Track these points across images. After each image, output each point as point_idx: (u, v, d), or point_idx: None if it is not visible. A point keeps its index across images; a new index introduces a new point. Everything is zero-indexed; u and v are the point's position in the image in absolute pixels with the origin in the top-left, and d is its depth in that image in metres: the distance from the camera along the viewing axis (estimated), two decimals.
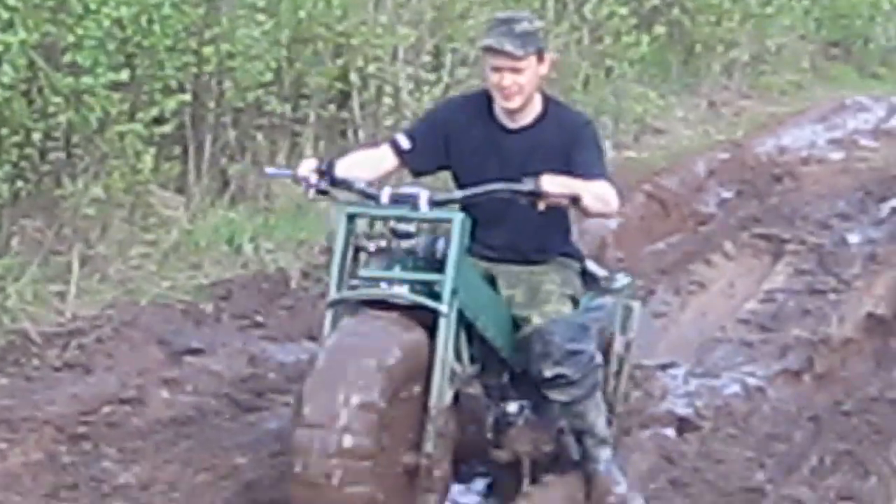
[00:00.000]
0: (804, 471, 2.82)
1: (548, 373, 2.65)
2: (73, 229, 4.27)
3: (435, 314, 2.41)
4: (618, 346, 3.05)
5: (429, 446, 2.43)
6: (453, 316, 2.44)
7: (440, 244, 2.53)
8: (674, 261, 5.09)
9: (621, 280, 3.19)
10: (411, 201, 2.52)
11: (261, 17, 5.04)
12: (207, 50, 4.83)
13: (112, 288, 4.22)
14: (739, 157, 7.08)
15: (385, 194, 2.55)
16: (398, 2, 6.04)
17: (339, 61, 5.62)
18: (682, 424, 3.32)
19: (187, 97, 4.69)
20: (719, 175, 6.74)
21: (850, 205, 5.89)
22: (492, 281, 2.79)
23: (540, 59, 2.69)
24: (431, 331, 2.43)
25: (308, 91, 5.56)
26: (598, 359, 2.80)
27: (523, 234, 2.81)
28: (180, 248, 4.57)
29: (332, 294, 2.56)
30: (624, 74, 7.63)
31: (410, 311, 2.46)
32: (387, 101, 5.63)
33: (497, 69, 2.62)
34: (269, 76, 5.04)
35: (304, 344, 3.83)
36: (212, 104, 5.12)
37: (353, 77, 5.66)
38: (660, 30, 8.04)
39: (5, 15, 3.82)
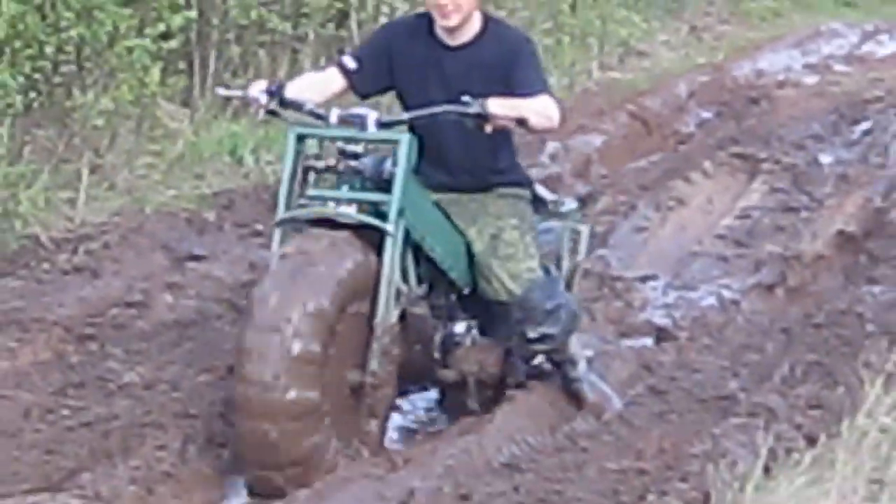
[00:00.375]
0: (775, 380, 2.75)
1: (532, 334, 2.59)
2: (83, 139, 4.18)
3: (381, 234, 2.34)
4: (566, 268, 2.89)
5: (373, 364, 2.36)
6: (399, 236, 2.37)
7: (387, 165, 2.43)
8: (654, 178, 4.96)
9: (569, 204, 3.02)
10: (359, 122, 2.43)
11: None
12: None
13: (119, 196, 4.15)
14: (719, 80, 6.92)
15: (333, 115, 2.45)
16: None
17: None
18: (660, 334, 3.26)
19: (193, 14, 4.60)
20: (699, 97, 6.58)
21: (824, 127, 5.74)
22: (444, 213, 2.67)
23: None
24: (378, 250, 2.35)
25: (308, 10, 5.45)
26: (573, 305, 2.70)
27: (470, 159, 2.69)
28: (184, 159, 4.48)
29: (280, 213, 2.46)
30: None
31: (357, 230, 2.38)
32: (383, 20, 5.43)
33: None
34: None
35: None
36: (216, 21, 5.06)
37: None
38: None
39: None
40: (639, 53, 7.66)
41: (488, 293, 2.65)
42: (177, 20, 4.39)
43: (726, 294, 3.61)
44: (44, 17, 4.08)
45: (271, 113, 2.57)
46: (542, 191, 2.92)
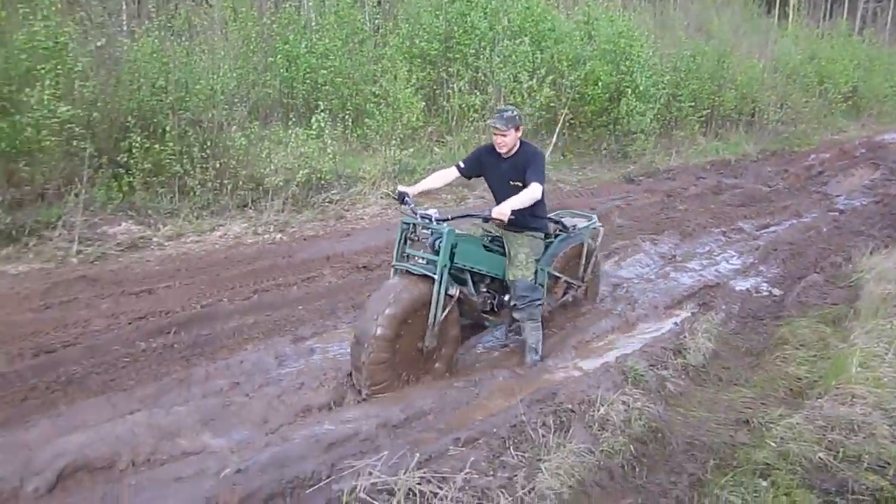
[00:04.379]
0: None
1: (513, 303, 4.99)
2: None
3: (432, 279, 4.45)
4: (586, 249, 5.68)
5: (427, 341, 4.55)
6: (443, 279, 4.48)
7: (437, 241, 4.49)
8: (846, 167, 15.32)
9: (584, 224, 5.70)
10: (429, 218, 4.55)
11: None
12: None
13: None
14: (872, 141, 18.02)
15: (418, 212, 4.57)
16: None
17: None
18: (844, 211, 13.56)
19: None
20: (863, 146, 17.42)
21: None
22: (499, 241, 5.00)
23: (517, 129, 4.74)
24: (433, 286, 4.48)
25: None
26: (539, 300, 5.01)
27: (514, 215, 4.47)
28: None
29: (394, 262, 4.68)
30: None
31: (424, 276, 4.50)
32: None
33: (495, 135, 4.72)
34: None
35: None
36: None
37: None
38: None
39: None
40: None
41: (507, 279, 4.96)
42: None
43: (864, 200, 11.71)
44: None
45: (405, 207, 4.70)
46: (567, 221, 5.47)
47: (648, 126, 13.73)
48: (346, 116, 10.67)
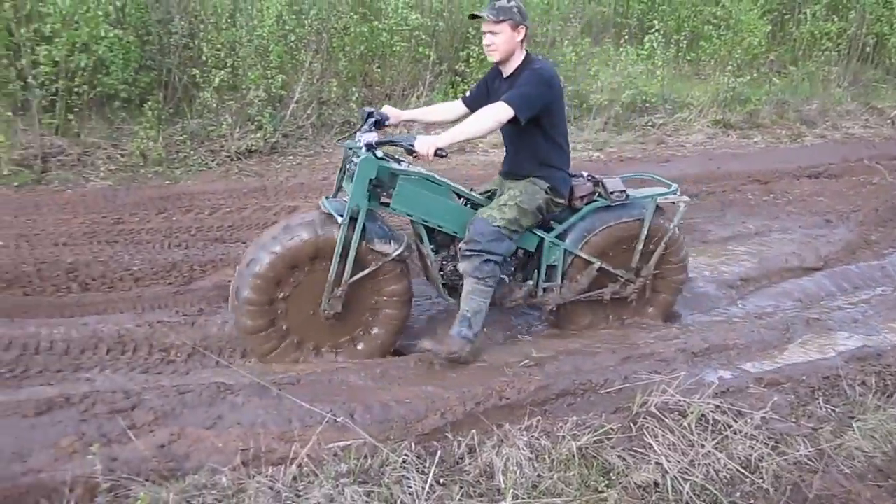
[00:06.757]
0: None
1: (461, 245, 3.62)
2: None
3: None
4: (648, 230, 3.96)
5: (325, 304, 3.49)
6: (350, 227, 3.36)
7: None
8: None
9: (643, 193, 4.01)
10: (361, 142, 3.40)
11: None
12: None
13: None
14: None
15: (362, 135, 3.42)
16: None
17: None
18: None
19: None
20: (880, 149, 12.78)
21: None
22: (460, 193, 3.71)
23: (514, 28, 3.41)
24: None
25: None
26: (495, 255, 3.53)
27: (512, 159, 3.75)
28: None
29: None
30: None
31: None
32: None
33: (483, 33, 3.46)
34: None
35: None
36: None
37: None
38: None
39: None
40: None
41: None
42: None
43: None
44: None
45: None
46: (610, 184, 3.89)
47: None
48: (681, 39, 10.16)
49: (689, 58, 10.49)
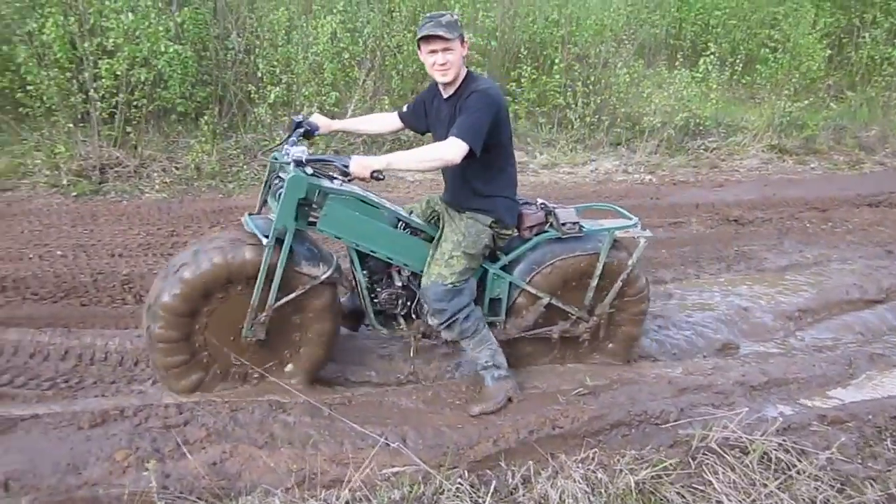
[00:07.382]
0: None
1: (430, 321, 3.44)
2: None
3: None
4: (604, 266, 3.61)
5: (247, 330, 3.25)
6: (272, 243, 3.08)
7: (280, 191, 3.11)
8: None
9: (601, 226, 3.68)
10: (290, 156, 3.04)
11: None
12: None
13: None
14: None
15: (290, 149, 3.07)
16: None
17: None
18: None
19: None
20: None
21: None
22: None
23: (462, 43, 3.06)
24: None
25: None
26: (473, 321, 3.36)
27: (455, 187, 3.38)
28: None
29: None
30: None
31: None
32: None
33: (432, 53, 3.04)
34: None
35: None
36: None
37: None
38: None
39: None
40: None
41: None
42: None
43: None
44: None
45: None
46: (563, 215, 3.60)
47: None
48: (736, 61, 10.01)
49: (743, 81, 10.33)
